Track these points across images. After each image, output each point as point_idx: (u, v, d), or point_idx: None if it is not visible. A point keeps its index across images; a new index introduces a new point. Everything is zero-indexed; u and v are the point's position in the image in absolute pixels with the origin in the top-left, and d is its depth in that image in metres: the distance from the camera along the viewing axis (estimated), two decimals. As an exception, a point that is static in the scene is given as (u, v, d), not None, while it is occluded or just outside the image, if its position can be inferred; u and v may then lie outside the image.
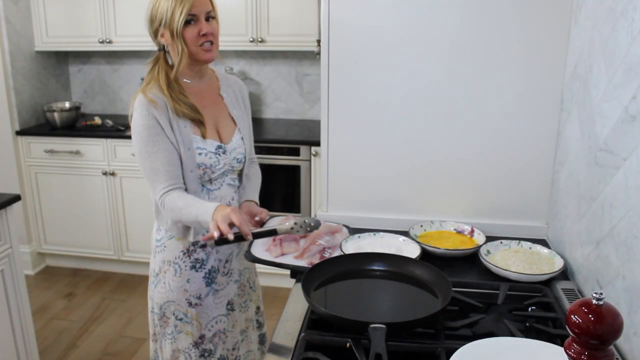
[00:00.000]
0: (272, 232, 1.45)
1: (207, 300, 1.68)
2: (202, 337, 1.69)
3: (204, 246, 1.48)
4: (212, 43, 1.53)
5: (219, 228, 1.35)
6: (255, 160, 1.84)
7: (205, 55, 1.53)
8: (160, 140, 1.50)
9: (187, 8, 1.47)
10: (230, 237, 1.36)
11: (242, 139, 1.68)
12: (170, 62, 1.57)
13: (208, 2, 1.53)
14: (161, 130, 1.50)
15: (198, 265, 1.65)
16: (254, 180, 1.80)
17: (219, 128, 1.63)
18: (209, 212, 1.42)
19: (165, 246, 1.64)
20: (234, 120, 1.68)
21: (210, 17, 1.53)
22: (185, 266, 1.64)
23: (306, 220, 1.46)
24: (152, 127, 1.50)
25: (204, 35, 1.50)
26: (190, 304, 1.65)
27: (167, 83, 1.53)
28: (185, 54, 1.51)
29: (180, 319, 1.66)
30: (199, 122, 1.56)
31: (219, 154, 1.59)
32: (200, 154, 1.56)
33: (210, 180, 1.61)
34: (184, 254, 1.63)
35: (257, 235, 1.44)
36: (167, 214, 1.53)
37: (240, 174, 1.72)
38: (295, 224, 1.44)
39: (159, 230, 1.66)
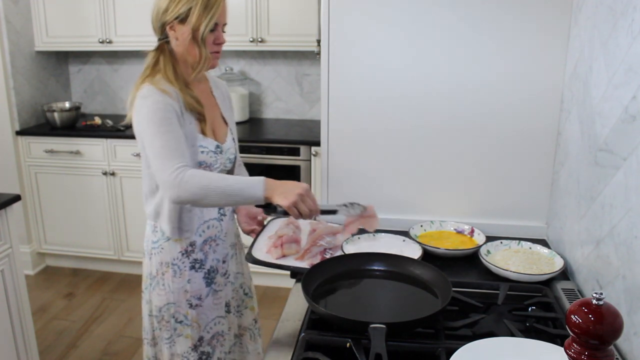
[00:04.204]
0: (333, 212, 1.47)
1: (207, 301, 1.67)
2: (200, 339, 1.68)
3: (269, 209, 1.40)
4: (218, 52, 1.56)
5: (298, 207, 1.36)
6: (241, 162, 1.85)
7: (211, 63, 1.55)
8: (174, 123, 1.46)
9: (217, 16, 1.48)
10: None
11: (233, 139, 1.69)
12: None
13: (226, 14, 1.55)
14: (176, 117, 1.47)
15: (197, 266, 1.64)
16: None
17: (215, 128, 1.64)
18: (260, 186, 1.37)
19: (162, 248, 1.62)
20: (224, 121, 1.68)
21: (224, 29, 1.56)
22: (185, 267, 1.62)
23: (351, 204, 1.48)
24: (168, 111, 1.45)
25: (218, 44, 1.53)
26: (190, 305, 1.64)
27: (175, 77, 1.52)
28: (208, 60, 1.51)
29: (180, 322, 1.65)
30: (201, 119, 1.56)
31: (217, 153, 1.60)
32: (202, 152, 1.55)
33: None
34: (183, 254, 1.62)
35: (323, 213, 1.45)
36: (186, 185, 1.37)
37: (231, 174, 1.72)
38: (345, 206, 1.47)
39: (155, 231, 1.63)
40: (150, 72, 1.53)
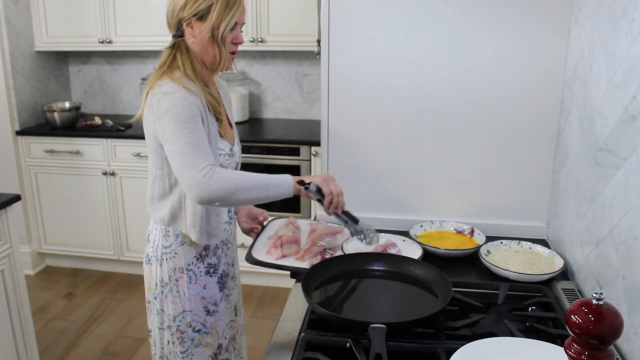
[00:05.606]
0: (355, 220, 1.51)
1: (222, 306, 1.62)
2: (219, 347, 1.63)
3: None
4: (234, 52, 1.51)
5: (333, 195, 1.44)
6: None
7: (228, 63, 1.50)
8: (199, 122, 1.39)
9: (237, 15, 1.43)
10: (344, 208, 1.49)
11: (238, 142, 1.67)
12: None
13: (245, 13, 1.50)
14: (200, 117, 1.41)
15: (212, 270, 1.59)
16: None
17: (225, 130, 1.59)
18: (288, 176, 1.42)
19: (176, 253, 1.54)
20: (229, 122, 1.66)
21: (242, 28, 1.52)
22: (200, 272, 1.56)
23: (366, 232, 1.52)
24: (194, 109, 1.39)
25: (236, 44, 1.48)
26: (208, 312, 1.58)
27: (194, 75, 1.46)
28: (227, 60, 1.47)
29: (198, 331, 1.58)
30: (219, 120, 1.52)
31: (231, 156, 1.56)
32: (220, 154, 1.51)
33: None
34: (198, 259, 1.56)
35: (345, 214, 1.50)
36: (217, 182, 1.33)
37: None
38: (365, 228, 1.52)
39: (166, 236, 1.54)
40: (167, 70, 1.45)
